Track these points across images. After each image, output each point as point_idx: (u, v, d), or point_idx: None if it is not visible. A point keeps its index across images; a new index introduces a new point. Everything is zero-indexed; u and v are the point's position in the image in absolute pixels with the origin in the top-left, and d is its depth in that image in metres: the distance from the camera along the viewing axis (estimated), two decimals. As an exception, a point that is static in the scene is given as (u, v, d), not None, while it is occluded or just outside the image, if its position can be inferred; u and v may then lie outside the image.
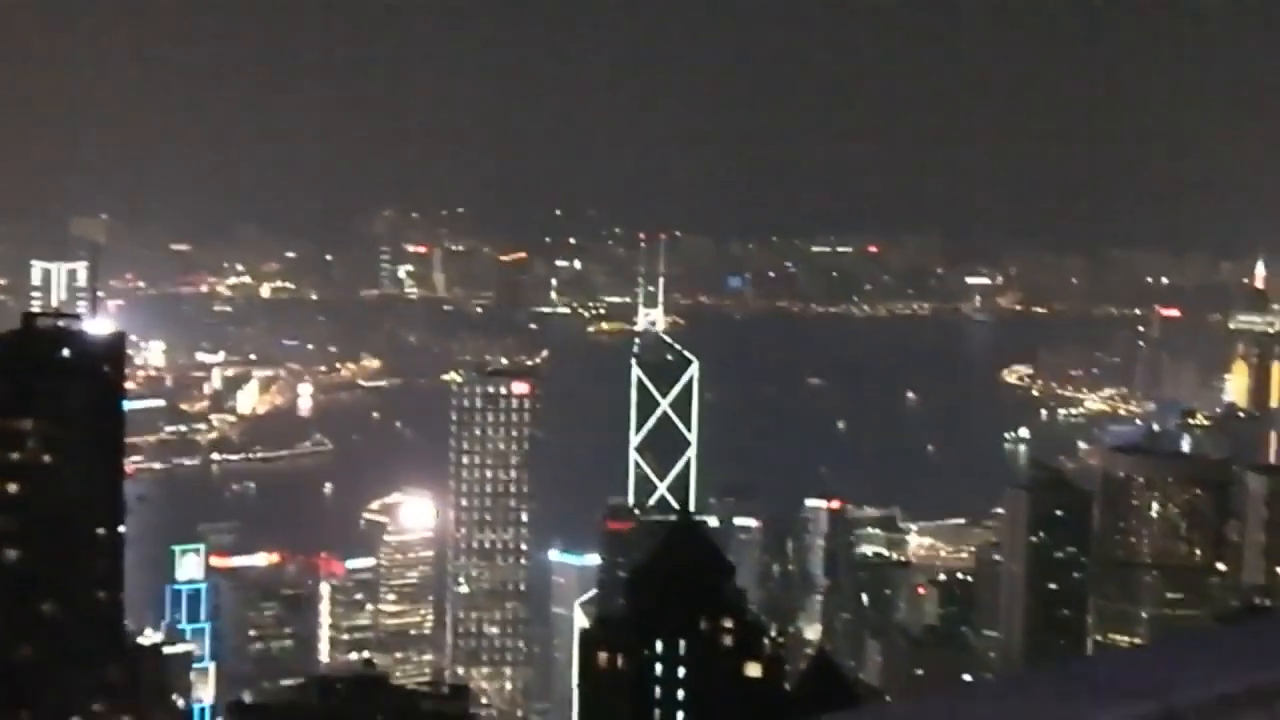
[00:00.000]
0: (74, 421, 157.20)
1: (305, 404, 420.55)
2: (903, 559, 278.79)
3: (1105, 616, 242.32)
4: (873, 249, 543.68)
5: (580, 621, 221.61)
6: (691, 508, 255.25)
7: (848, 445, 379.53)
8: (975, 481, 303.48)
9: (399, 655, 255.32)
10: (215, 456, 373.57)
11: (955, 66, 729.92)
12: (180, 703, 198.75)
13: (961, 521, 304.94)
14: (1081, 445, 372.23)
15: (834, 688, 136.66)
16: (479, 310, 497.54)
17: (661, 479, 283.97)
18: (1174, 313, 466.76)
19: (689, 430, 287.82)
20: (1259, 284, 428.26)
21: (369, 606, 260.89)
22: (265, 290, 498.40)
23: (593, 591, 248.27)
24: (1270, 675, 9.79)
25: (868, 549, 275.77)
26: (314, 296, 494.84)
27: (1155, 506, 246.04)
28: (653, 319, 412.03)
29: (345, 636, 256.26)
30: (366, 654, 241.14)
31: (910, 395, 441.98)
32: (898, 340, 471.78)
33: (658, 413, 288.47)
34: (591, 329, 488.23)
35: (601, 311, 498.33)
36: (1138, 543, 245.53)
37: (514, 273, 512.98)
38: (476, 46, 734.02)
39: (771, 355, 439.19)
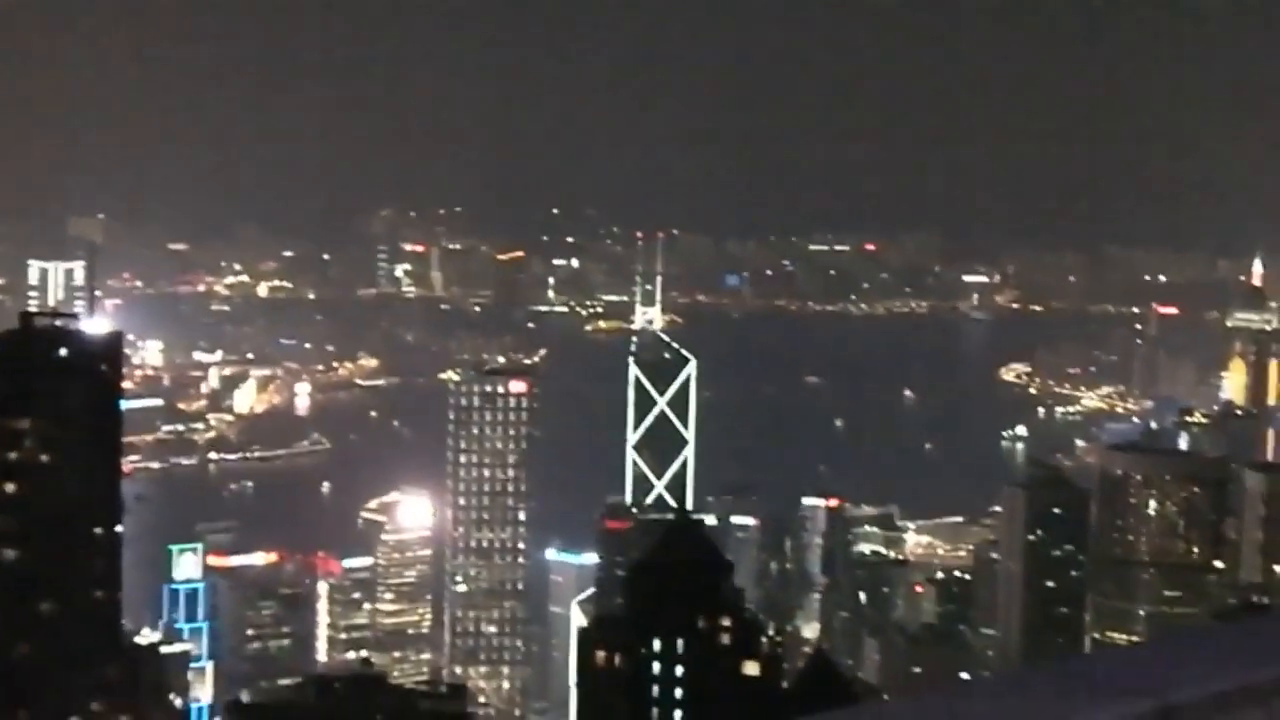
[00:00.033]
0: (72, 421, 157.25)
1: (303, 403, 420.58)
2: (900, 557, 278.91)
3: (1103, 614, 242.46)
4: (870, 247, 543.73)
5: (578, 620, 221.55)
6: (689, 506, 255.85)
7: (846, 444, 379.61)
8: (973, 480, 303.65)
9: (397, 654, 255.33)
10: (213, 456, 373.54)
11: (953, 65, 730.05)
12: (178, 702, 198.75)
13: (959, 520, 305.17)
14: (1079, 443, 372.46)
15: (832, 686, 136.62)
16: (476, 309, 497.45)
17: (659, 478, 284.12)
18: (1172, 311, 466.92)
19: (687, 429, 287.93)
20: (1256, 282, 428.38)
21: (367, 606, 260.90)
22: (263, 289, 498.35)
23: (590, 590, 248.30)
24: (1268, 673, 9.77)
25: (865, 547, 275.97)
26: (311, 296, 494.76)
27: (1153, 504, 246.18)
28: (650, 318, 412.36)
29: (343, 636, 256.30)
30: (364, 653, 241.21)
31: (908, 393, 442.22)
32: (896, 339, 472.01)
33: (655, 411, 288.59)
34: (589, 328, 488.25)
35: (599, 310, 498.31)
36: (1135, 541, 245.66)
37: (511, 271, 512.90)
38: (474, 46, 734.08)
39: (769, 354, 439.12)
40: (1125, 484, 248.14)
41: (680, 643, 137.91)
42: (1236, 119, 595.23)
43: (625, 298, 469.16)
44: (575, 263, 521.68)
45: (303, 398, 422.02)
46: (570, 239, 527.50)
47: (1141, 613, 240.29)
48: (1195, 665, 9.83)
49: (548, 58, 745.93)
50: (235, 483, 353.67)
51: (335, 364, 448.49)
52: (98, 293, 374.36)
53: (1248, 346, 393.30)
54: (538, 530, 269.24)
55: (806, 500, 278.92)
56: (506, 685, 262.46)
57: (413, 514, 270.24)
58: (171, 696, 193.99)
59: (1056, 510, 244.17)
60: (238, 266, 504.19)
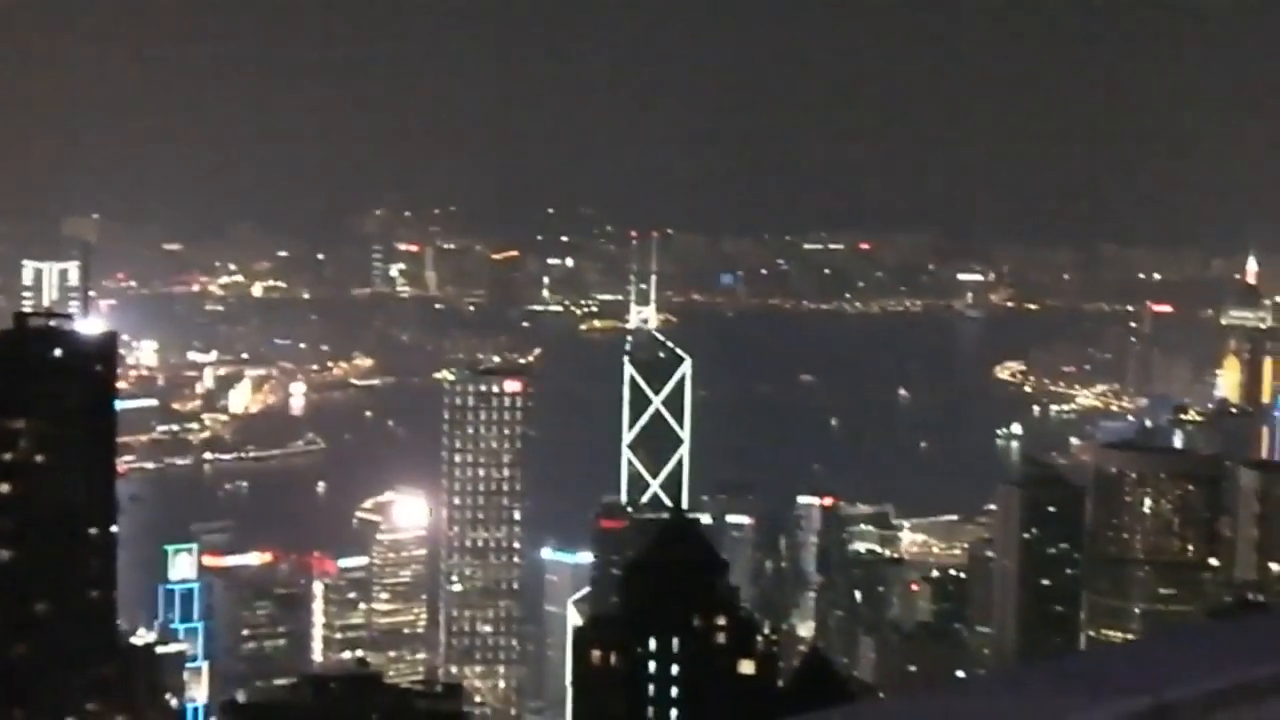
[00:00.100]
0: (66, 421, 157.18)
1: (298, 403, 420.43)
2: (896, 556, 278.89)
3: (1098, 612, 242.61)
4: (865, 246, 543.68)
5: (573, 619, 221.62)
6: (684, 505, 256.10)
7: (841, 442, 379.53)
8: (968, 478, 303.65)
9: (392, 654, 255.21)
10: (208, 456, 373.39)
11: (948, 65, 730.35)
12: (174, 702, 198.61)
13: (954, 518, 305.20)
14: (1074, 441, 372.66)
15: (827, 685, 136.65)
16: (471, 308, 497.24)
17: (654, 477, 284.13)
18: (1166, 309, 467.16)
19: (681, 428, 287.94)
20: (1250, 280, 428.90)
21: (362, 605, 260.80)
22: (257, 289, 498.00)
23: (586, 589, 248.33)
24: (1262, 670, 9.79)
25: (861, 546, 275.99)
26: (306, 295, 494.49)
27: (1148, 502, 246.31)
28: (645, 317, 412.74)
29: (338, 635, 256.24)
30: (360, 653, 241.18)
31: (903, 392, 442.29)
32: (890, 337, 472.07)
33: (650, 410, 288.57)
34: (584, 327, 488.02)
35: (594, 309, 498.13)
36: (1130, 538, 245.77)
37: (506, 271, 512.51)
38: (468, 45, 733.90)
39: (764, 353, 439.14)
40: (1120, 482, 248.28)
41: (676, 642, 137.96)
42: (1231, 117, 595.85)
43: (620, 297, 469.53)
44: (570, 262, 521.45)
45: (297, 398, 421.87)
46: (565, 238, 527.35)
47: (1137, 610, 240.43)
48: (1190, 663, 9.85)
49: (542, 57, 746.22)
50: (230, 483, 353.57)
51: (330, 364, 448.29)
52: (92, 293, 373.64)
53: (1242, 344, 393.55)
54: (533, 529, 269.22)
55: (801, 499, 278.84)
56: (502, 685, 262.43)
57: (408, 514, 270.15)
58: (167, 696, 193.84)
59: (1051, 508, 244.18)
60: (232, 266, 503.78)
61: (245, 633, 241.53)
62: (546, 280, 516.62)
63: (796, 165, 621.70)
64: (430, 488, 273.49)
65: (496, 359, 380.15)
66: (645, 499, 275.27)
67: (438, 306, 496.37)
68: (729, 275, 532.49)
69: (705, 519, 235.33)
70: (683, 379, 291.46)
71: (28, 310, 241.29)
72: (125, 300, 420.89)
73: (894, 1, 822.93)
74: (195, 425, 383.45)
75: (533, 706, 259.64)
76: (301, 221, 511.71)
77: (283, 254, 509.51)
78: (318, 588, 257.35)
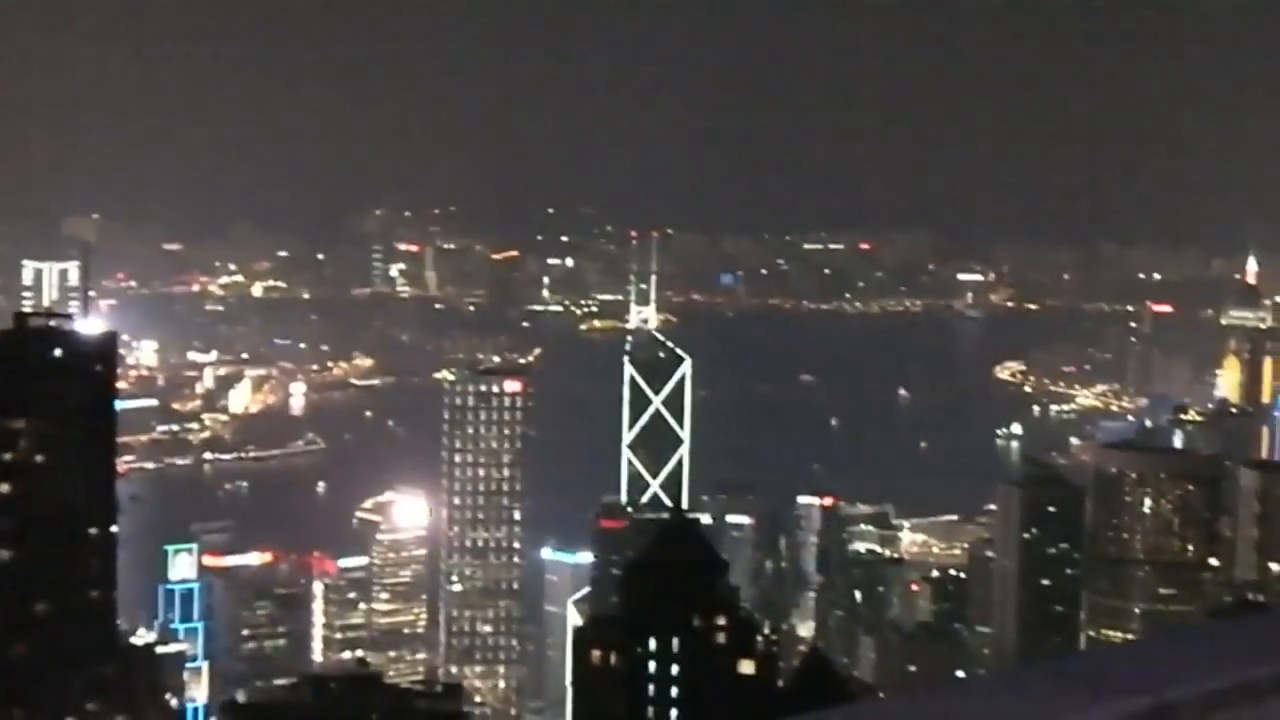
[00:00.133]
0: (66, 421, 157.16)
1: (297, 403, 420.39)
2: (896, 556, 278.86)
3: (1098, 612, 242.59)
4: (865, 246, 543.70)
5: (573, 619, 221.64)
6: (684, 505, 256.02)
7: (841, 442, 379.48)
8: (968, 478, 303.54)
9: (392, 654, 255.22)
10: (208, 456, 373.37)
11: (948, 65, 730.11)
12: (174, 702, 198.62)
13: (954, 518, 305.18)
14: (1074, 441, 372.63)
15: (827, 685, 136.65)
16: (471, 308, 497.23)
17: (654, 477, 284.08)
18: (1166, 308, 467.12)
19: (681, 428, 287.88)
20: (1250, 280, 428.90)
21: (362, 605, 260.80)
22: (257, 289, 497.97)
23: (586, 589, 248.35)
24: (1263, 670, 9.79)
25: (861, 546, 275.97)
26: (306, 295, 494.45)
27: (1148, 502, 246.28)
28: (645, 317, 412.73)
29: (338, 635, 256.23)
30: (360, 653, 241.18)
31: (903, 392, 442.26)
32: (890, 337, 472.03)
33: (650, 410, 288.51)
34: (584, 327, 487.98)
35: (594, 309, 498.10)
36: (1130, 538, 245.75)
37: (506, 271, 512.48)
38: (469, 45, 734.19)
39: (764, 353, 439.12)
40: (1120, 482, 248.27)
41: (676, 642, 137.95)
42: (1231, 117, 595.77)
43: (620, 297, 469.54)
44: (570, 262, 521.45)
45: (297, 397, 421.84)
46: (565, 238, 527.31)
47: (1137, 610, 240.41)
48: (1190, 663, 9.85)
49: (542, 57, 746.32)
50: (230, 483, 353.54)
51: (330, 364, 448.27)
52: (92, 293, 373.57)
53: (1242, 344, 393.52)
54: (533, 529, 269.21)
55: (801, 499, 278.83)
56: (502, 685, 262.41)
57: (408, 514, 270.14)
58: (167, 696, 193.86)
59: (1051, 508, 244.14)
60: (232, 266, 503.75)
61: (245, 633, 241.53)
62: (546, 280, 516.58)
63: (796, 165, 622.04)
64: (430, 488, 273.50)
65: (496, 359, 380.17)
66: (645, 499, 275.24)
67: (438, 306, 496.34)
68: (729, 275, 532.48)
69: (705, 519, 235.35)
70: (683, 379, 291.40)
71: (28, 310, 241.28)
72: (125, 300, 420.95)
73: (894, 1, 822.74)
74: (195, 425, 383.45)
75: (533, 706, 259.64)
76: (301, 221, 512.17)
77: (283, 254, 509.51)
78: (318, 588, 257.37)
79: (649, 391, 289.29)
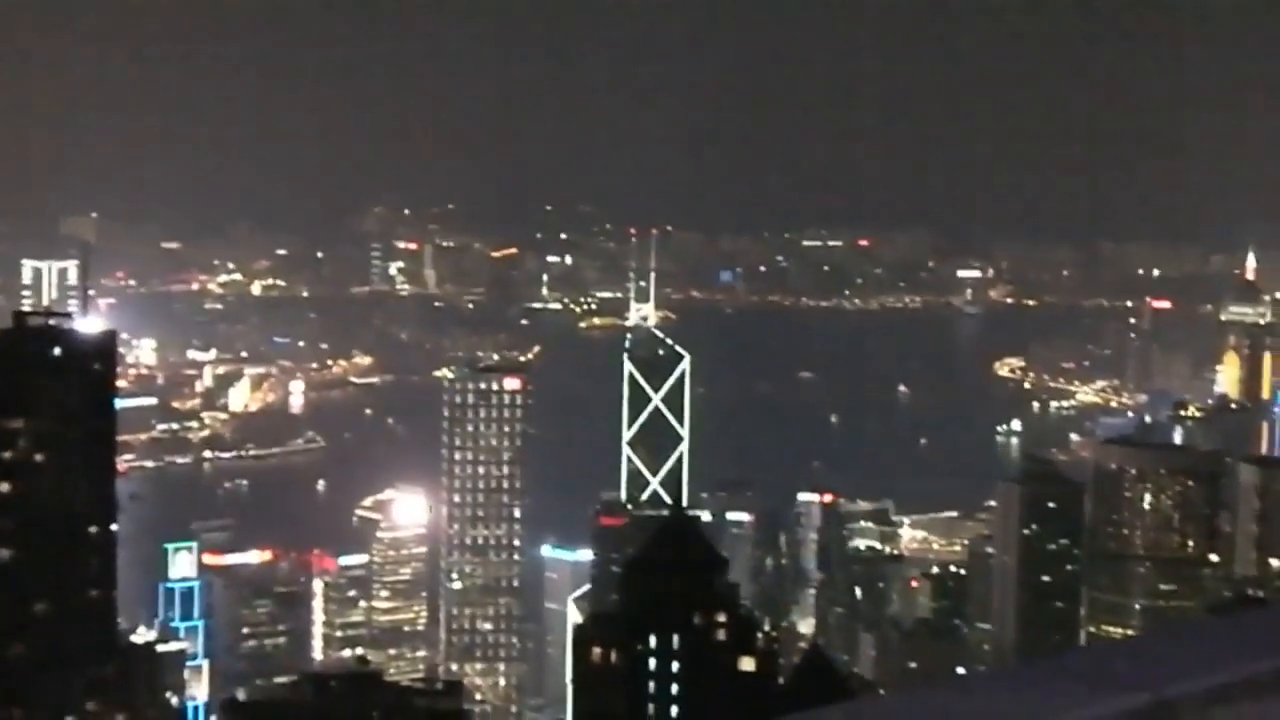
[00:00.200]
0: (66, 420, 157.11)
1: (297, 401, 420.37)
2: (895, 552, 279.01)
3: (1098, 608, 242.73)
4: (864, 243, 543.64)
5: (573, 617, 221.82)
6: (684, 502, 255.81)
7: (840, 439, 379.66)
8: (967, 474, 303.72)
9: (392, 652, 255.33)
10: (207, 454, 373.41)
11: (946, 62, 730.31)
12: (174, 700, 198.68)
13: (954, 514, 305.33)
14: (1073, 437, 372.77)
15: (827, 681, 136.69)
16: (470, 306, 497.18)
17: (654, 474, 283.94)
18: (1165, 305, 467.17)
19: (681, 425, 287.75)
20: (1249, 275, 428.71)
21: (362, 603, 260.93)
22: (256, 288, 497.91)
23: (586, 587, 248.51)
24: (1263, 666, 9.77)
25: (860, 543, 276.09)
26: (305, 294, 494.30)
27: (1147, 498, 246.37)
28: (645, 314, 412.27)
29: (338, 633, 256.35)
30: (360, 650, 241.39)
31: (902, 389, 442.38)
32: (889, 334, 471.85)
33: (650, 408, 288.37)
34: (583, 324, 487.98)
35: (593, 307, 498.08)
36: (1130, 534, 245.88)
37: (505, 269, 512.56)
38: (467, 44, 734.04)
39: (763, 350, 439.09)
40: (1120, 478, 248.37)
41: (676, 639, 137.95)
42: (1230, 114, 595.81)
43: (619, 294, 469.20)
44: (569, 260, 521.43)
45: (297, 396, 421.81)
46: (564, 236, 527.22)
47: (1136, 606, 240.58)
48: (1191, 659, 9.83)
49: (541, 56, 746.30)
50: (230, 481, 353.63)
51: (329, 362, 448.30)
52: (91, 291, 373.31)
53: (1241, 340, 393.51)
54: (533, 527, 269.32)
55: (801, 496, 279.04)
56: (502, 682, 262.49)
57: (408, 511, 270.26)
58: (167, 695, 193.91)
59: (1051, 505, 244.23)
60: (231, 265, 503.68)
61: (245, 631, 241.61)
62: (545, 278, 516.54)
63: (795, 162, 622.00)
64: (430, 485, 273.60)
65: (496, 357, 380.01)
66: (645, 496, 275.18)
67: (437, 304, 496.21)
68: (728, 272, 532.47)
69: (705, 516, 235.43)
70: (682, 376, 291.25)
71: (27, 309, 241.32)
72: (124, 299, 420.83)
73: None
74: (195, 424, 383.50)
75: (533, 704, 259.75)
76: (300, 220, 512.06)
77: (282, 252, 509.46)
78: (318, 586, 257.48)
79: (648, 389, 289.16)
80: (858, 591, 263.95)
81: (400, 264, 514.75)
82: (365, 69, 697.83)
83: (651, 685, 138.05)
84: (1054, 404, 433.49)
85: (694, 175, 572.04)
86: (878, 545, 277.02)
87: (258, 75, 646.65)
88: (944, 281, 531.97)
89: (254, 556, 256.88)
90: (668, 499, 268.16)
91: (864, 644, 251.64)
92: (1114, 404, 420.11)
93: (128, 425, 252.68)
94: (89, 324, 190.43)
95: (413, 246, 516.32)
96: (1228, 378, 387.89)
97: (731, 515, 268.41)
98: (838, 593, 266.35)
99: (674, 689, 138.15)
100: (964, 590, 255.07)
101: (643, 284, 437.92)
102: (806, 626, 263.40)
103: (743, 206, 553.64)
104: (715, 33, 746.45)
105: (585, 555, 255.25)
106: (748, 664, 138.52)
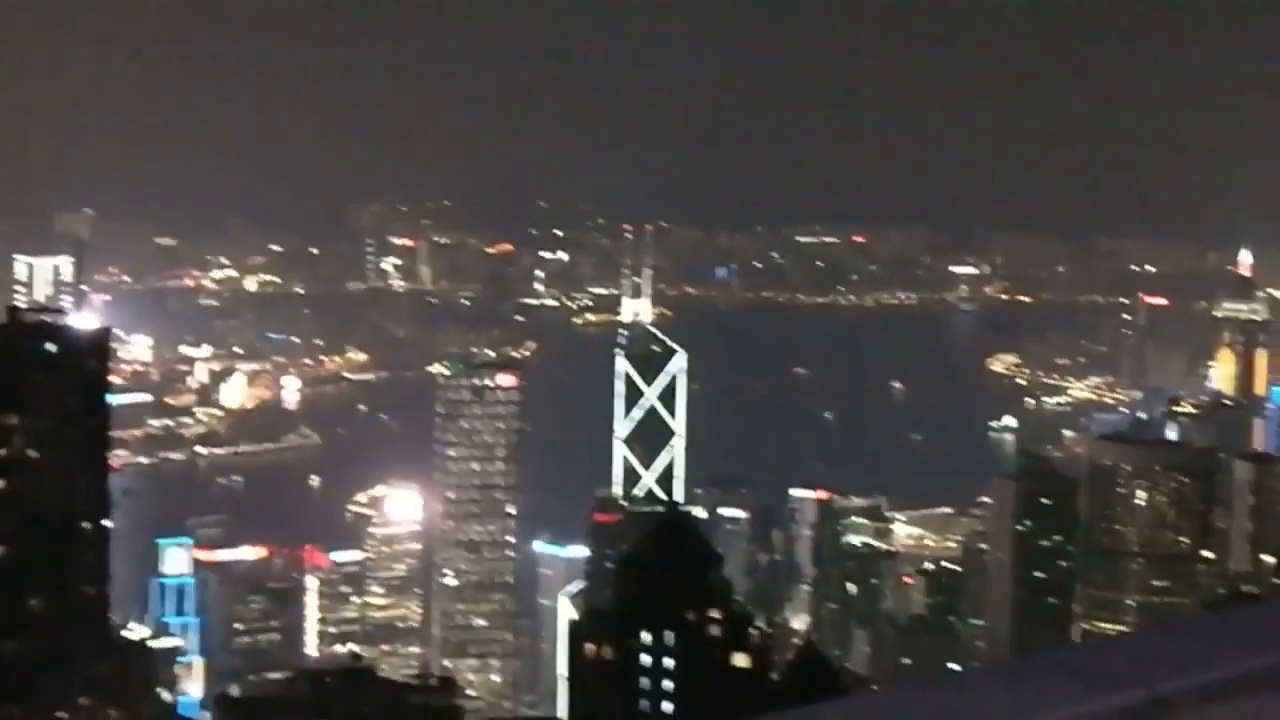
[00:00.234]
0: (60, 416, 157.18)
1: (291, 397, 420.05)
2: (890, 549, 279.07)
3: (1092, 605, 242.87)
4: (859, 239, 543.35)
5: (568, 613, 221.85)
6: (678, 499, 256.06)
7: (834, 435, 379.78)
8: (962, 471, 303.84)
9: (386, 648, 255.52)
10: (201, 450, 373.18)
11: (942, 58, 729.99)
12: (167, 697, 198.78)
13: (948, 511, 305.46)
14: (1068, 434, 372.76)
15: (821, 678, 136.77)
16: (465, 303, 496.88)
17: (648, 470, 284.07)
18: (1160, 301, 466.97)
19: (675, 421, 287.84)
20: (1244, 272, 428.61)
21: (356, 599, 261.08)
22: (251, 284, 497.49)
23: (580, 583, 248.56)
24: (1258, 662, 9.73)
25: (855, 539, 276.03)
26: (300, 290, 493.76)
27: (1142, 494, 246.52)
28: (639, 310, 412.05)
29: (332, 629, 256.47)
30: (353, 647, 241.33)
31: (897, 385, 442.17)
32: (884, 330, 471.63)
33: (644, 404, 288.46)
34: (578, 321, 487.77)
35: (588, 303, 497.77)
36: (1124, 531, 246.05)
37: (500, 265, 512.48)
38: (463, 41, 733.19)
39: (758, 346, 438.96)
40: (1114, 474, 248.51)
41: (670, 635, 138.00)
42: (1225, 110, 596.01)
43: (614, 291, 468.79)
44: (564, 256, 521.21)
45: (291, 392, 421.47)
46: (559, 232, 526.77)
47: (1131, 603, 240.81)
48: (1185, 655, 9.78)
49: (537, 53, 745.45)
50: (224, 477, 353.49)
51: (323, 358, 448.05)
52: (85, 288, 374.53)
53: (1236, 336, 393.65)
54: (527, 523, 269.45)
55: (795, 492, 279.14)
56: (496, 678, 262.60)
57: (401, 507, 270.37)
58: (160, 691, 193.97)
59: (1045, 501, 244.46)
60: (225, 261, 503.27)
61: (239, 627, 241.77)
62: (540, 274, 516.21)
63: (790, 159, 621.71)
64: (424, 482, 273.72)
65: (490, 353, 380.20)
66: (639, 493, 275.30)
67: (432, 301, 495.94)
68: (723, 268, 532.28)
69: (699, 512, 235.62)
70: (676, 372, 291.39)
71: (21, 305, 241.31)
72: (118, 295, 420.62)
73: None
74: (189, 420, 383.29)
75: (527, 700, 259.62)
76: (296, 216, 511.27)
77: (276, 248, 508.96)
78: (311, 582, 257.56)
79: (642, 385, 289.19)
80: (852, 588, 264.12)
81: (395, 260, 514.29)
82: (360, 66, 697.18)
83: (645, 681, 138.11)
84: (1048, 400, 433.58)
85: (689, 172, 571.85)
86: (872, 541, 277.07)
87: (253, 72, 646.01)
88: (939, 278, 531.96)
89: (248, 552, 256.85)
90: (662, 495, 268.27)
91: (858, 640, 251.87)
92: (1108, 400, 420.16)
93: (122, 421, 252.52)
94: (83, 320, 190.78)
95: (408, 243, 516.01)
96: (1222, 374, 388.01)
97: (725, 512, 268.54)
98: (832, 589, 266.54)
99: (668, 685, 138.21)
100: (958, 586, 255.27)
101: (637, 280, 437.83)
102: (800, 623, 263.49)
103: (738, 203, 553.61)
104: (711, 29, 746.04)
105: (579, 551, 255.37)
106: (742, 660, 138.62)
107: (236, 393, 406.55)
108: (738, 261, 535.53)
